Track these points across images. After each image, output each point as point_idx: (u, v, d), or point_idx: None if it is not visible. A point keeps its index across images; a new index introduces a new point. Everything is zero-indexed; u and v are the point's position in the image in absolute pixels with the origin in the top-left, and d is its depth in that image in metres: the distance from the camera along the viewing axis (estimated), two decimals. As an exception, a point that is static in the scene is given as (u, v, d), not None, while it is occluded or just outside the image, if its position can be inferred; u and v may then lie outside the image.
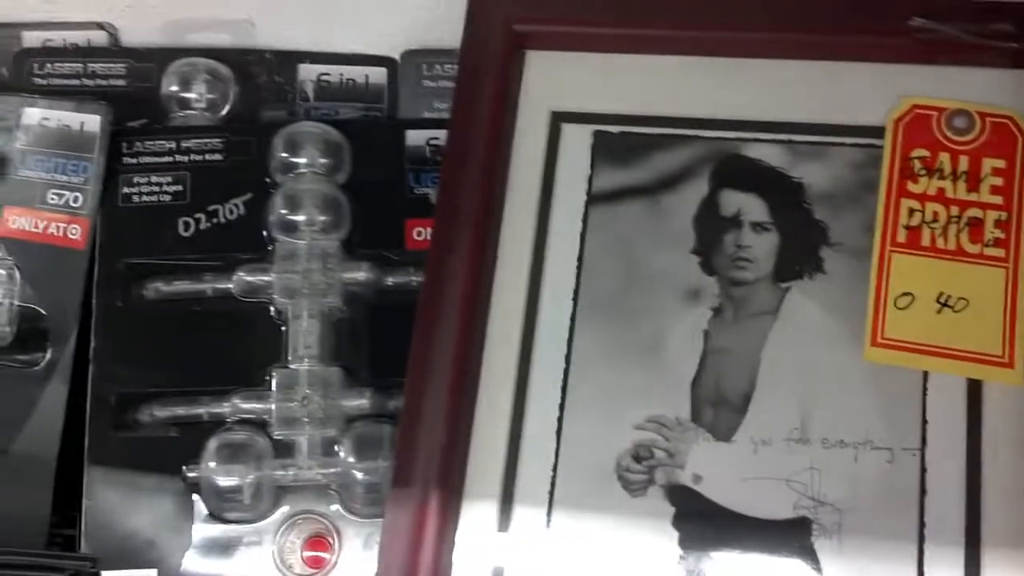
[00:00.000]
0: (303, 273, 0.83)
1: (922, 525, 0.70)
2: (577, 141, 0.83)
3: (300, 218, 0.86)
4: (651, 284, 0.79)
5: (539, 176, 0.82)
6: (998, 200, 0.77)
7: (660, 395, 0.76)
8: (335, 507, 0.80)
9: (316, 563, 0.79)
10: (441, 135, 0.83)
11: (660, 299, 0.79)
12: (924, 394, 0.73)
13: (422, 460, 0.74)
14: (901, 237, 0.78)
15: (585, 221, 0.81)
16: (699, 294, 0.79)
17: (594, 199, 0.82)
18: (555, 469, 0.75)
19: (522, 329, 0.80)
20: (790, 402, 0.75)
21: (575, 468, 0.75)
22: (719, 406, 0.76)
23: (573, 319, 0.79)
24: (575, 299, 0.80)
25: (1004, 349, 0.74)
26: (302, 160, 0.87)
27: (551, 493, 0.75)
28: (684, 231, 0.80)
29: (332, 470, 0.79)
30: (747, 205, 0.80)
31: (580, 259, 0.80)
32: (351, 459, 0.80)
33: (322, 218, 0.86)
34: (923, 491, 0.71)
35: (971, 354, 0.73)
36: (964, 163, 0.78)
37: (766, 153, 0.79)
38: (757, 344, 0.77)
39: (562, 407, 0.77)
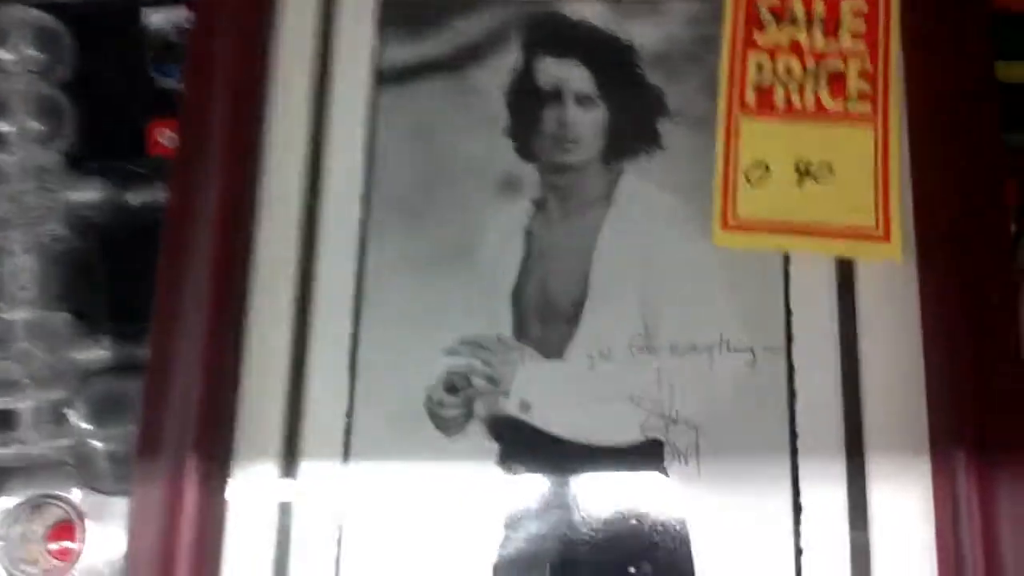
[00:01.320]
0: (13, 196, 0.71)
1: (793, 436, 0.64)
2: (356, 5, 0.73)
3: (6, 128, 0.73)
4: (458, 176, 0.71)
5: (311, 52, 0.73)
6: (860, 47, 0.71)
7: (475, 311, 0.69)
8: (75, 488, 0.69)
9: (64, 555, 0.69)
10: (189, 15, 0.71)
11: (470, 194, 0.71)
12: (786, 282, 0.67)
13: (175, 420, 0.63)
14: (750, 99, 0.72)
15: (373, 105, 0.72)
16: (517, 185, 0.72)
17: (384, 78, 0.73)
18: (350, 414, 0.68)
19: (299, 244, 0.71)
20: (631, 305, 0.68)
21: (375, 410, 0.67)
22: (547, 318, 0.69)
23: (364, 226, 0.71)
24: (365, 200, 0.72)
25: (878, 220, 0.68)
26: (8, 56, 0.75)
27: (346, 444, 0.67)
28: (495, 111, 0.73)
29: (65, 442, 0.69)
30: (568, 75, 0.72)
31: (369, 151, 0.72)
32: (88, 426, 0.69)
33: (36, 125, 0.74)
34: (792, 395, 0.65)
35: (839, 229, 0.68)
36: (820, 6, 0.72)
37: (588, 11, 0.72)
38: (589, 240, 0.70)
39: (355, 336, 0.69)
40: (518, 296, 0.69)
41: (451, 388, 0.67)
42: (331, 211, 0.71)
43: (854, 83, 0.70)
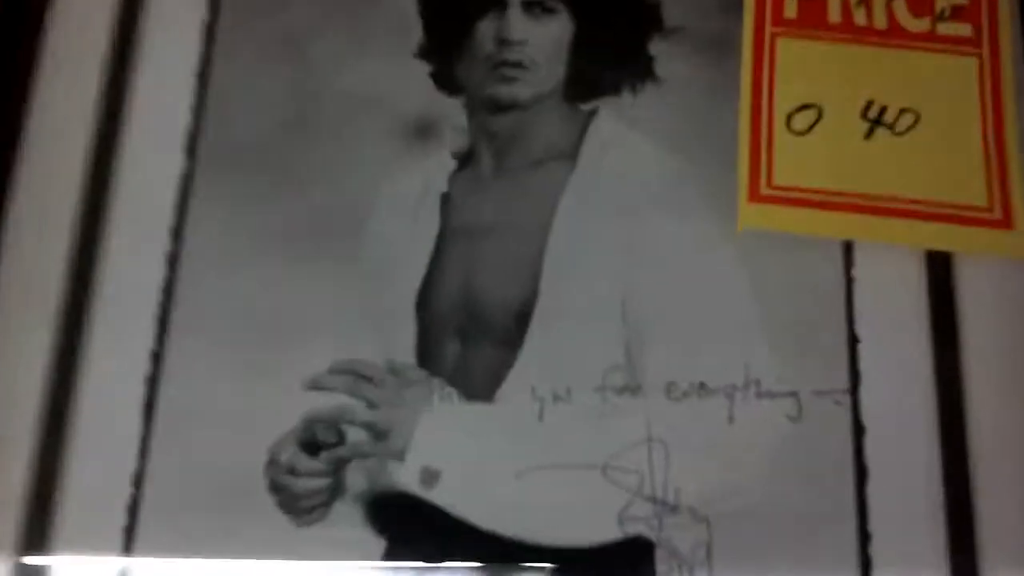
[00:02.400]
0: None
1: (863, 539, 0.47)
2: None
3: None
4: (339, 117, 0.56)
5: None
6: None
7: (355, 321, 0.52)
8: None
9: None
10: None
11: (357, 141, 0.55)
12: (848, 287, 0.51)
13: None
14: (790, 10, 0.55)
15: (214, 8, 0.57)
16: (431, 129, 0.55)
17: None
18: (137, 484, 0.50)
19: (77, 213, 0.54)
20: (604, 319, 0.51)
21: (182, 478, 0.50)
22: (472, 336, 0.52)
23: (184, 187, 0.54)
24: (188, 151, 0.55)
25: (991, 195, 0.51)
26: None
27: (129, 533, 0.49)
28: (401, 18, 0.57)
29: None
30: None
31: (201, 77, 0.56)
32: None
33: None
34: (861, 470, 0.48)
35: (931, 207, 0.51)
36: None
37: None
38: (540, 215, 0.53)
39: (156, 358, 0.51)
40: (426, 300, 0.53)
41: (310, 445, 0.49)
42: (132, 164, 0.54)
43: None
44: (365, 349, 0.51)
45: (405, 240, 0.53)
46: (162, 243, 0.53)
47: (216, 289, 0.52)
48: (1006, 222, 0.50)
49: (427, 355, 0.51)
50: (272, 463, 0.49)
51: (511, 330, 0.51)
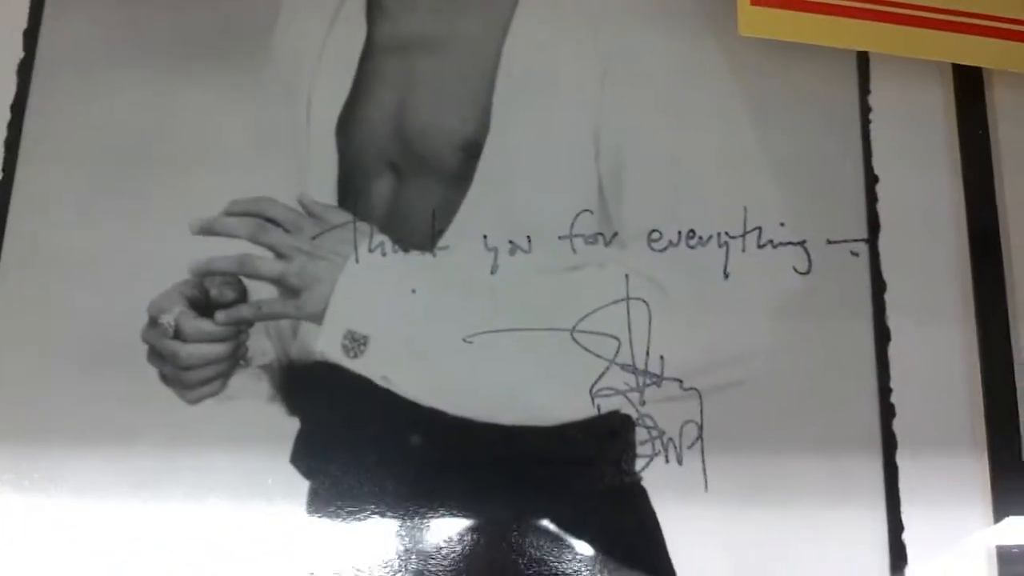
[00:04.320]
0: None
1: (887, 413, 0.40)
2: None
3: None
4: None
5: None
6: None
7: (261, 148, 0.42)
8: None
9: None
10: None
11: None
12: (864, 113, 0.43)
13: None
14: None
15: None
16: None
17: None
18: None
19: None
20: (574, 150, 0.42)
21: (43, 342, 0.40)
22: (407, 169, 0.42)
23: None
24: None
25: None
26: None
27: None
28: None
29: None
30: None
31: None
32: None
33: None
34: (882, 335, 0.41)
35: (960, 16, 0.42)
36: None
37: None
38: (492, 20, 0.43)
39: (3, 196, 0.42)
40: (349, 124, 0.43)
41: (202, 303, 0.40)
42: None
43: None
44: (272, 185, 0.41)
45: (322, 50, 0.43)
46: (12, 49, 0.42)
47: (80, 106, 0.42)
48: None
49: (351, 193, 0.42)
50: (153, 325, 0.40)
51: (457, 164, 0.42)
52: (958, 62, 0.42)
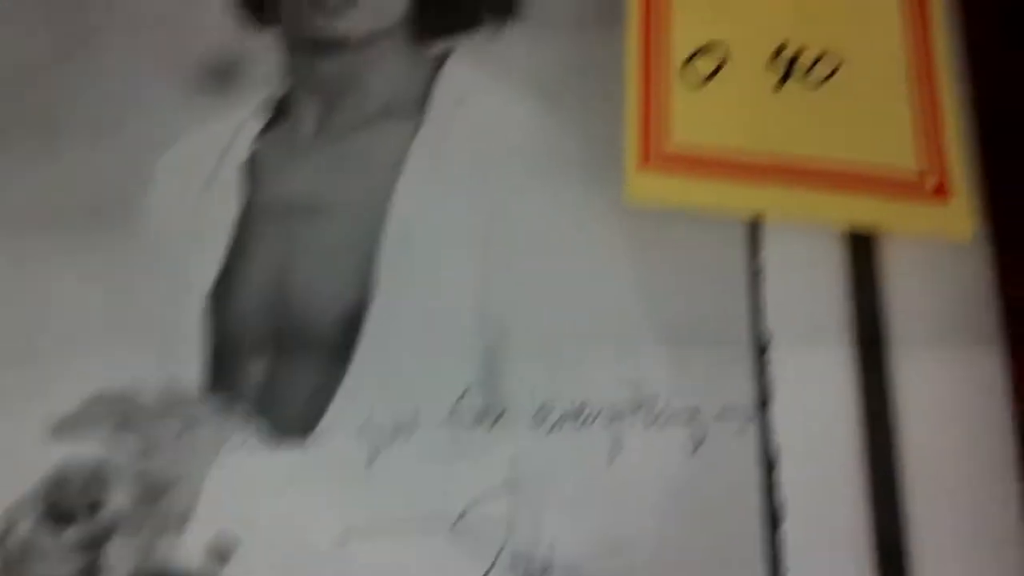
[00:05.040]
0: None
1: None
2: None
3: None
4: (115, 45, 0.46)
5: None
6: None
7: (126, 329, 0.41)
8: None
9: None
10: None
11: (135, 81, 0.45)
12: (755, 284, 0.43)
13: None
14: None
15: None
16: (233, 72, 0.45)
17: None
18: None
19: None
20: (458, 323, 0.41)
21: None
22: (284, 348, 0.42)
23: None
24: None
25: (922, 157, 0.43)
26: None
27: None
28: None
29: None
30: None
31: None
32: None
33: None
34: (772, 512, 0.39)
35: (853, 174, 0.43)
36: None
37: None
38: (377, 187, 0.43)
39: None
40: (223, 300, 0.43)
41: (59, 512, 0.38)
42: None
43: None
44: (137, 370, 0.40)
45: (195, 219, 0.43)
46: None
47: None
48: (942, 192, 0.42)
49: (223, 376, 0.41)
50: (7, 537, 0.38)
51: (338, 337, 0.41)
52: (851, 226, 0.42)
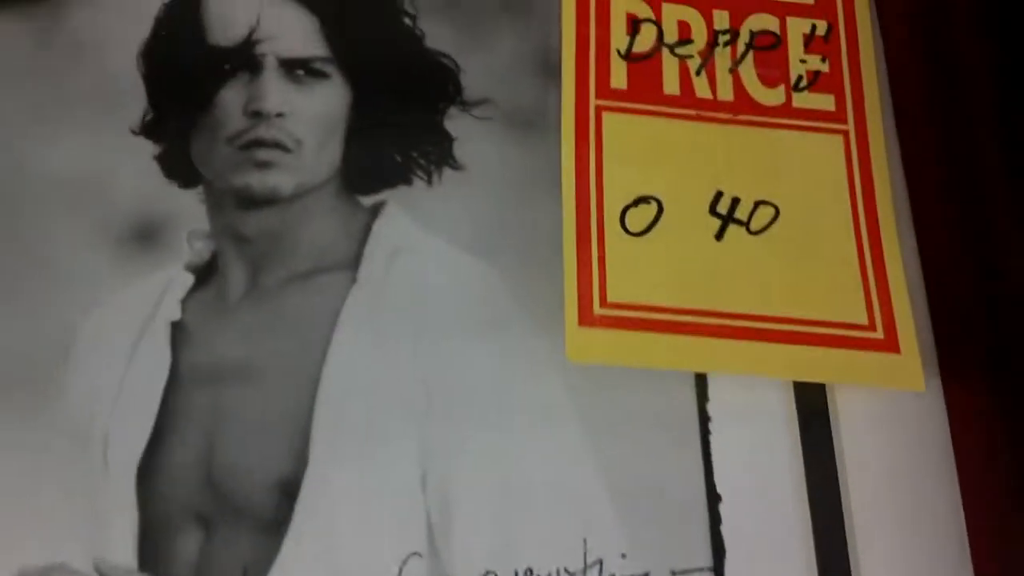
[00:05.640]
0: None
1: None
2: None
3: None
4: (31, 207, 0.43)
5: None
6: None
7: (50, 504, 0.38)
8: None
9: None
10: None
11: (54, 244, 0.43)
12: (704, 435, 0.42)
13: None
14: (619, 79, 0.46)
15: None
16: (157, 232, 0.43)
17: None
18: None
19: None
20: (399, 489, 0.39)
21: None
22: (216, 521, 0.39)
23: None
24: None
25: (868, 308, 0.43)
26: None
27: None
28: (116, 79, 0.45)
29: None
30: (272, 20, 0.45)
31: None
32: None
33: None
34: None
35: (799, 325, 0.42)
36: None
37: None
38: (309, 347, 0.41)
39: None
40: (151, 472, 0.40)
41: None
42: None
43: (800, 58, 0.47)
44: (64, 548, 0.37)
45: (120, 388, 0.40)
46: None
47: None
48: (890, 343, 0.41)
49: (153, 553, 0.38)
50: None
51: (272, 507, 0.39)
52: (800, 379, 0.41)
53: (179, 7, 0.46)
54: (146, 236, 0.43)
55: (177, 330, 0.42)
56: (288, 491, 0.39)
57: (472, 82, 0.46)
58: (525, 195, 0.45)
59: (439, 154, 0.45)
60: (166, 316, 0.42)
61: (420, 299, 0.43)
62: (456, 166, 0.45)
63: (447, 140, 0.45)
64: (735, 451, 0.41)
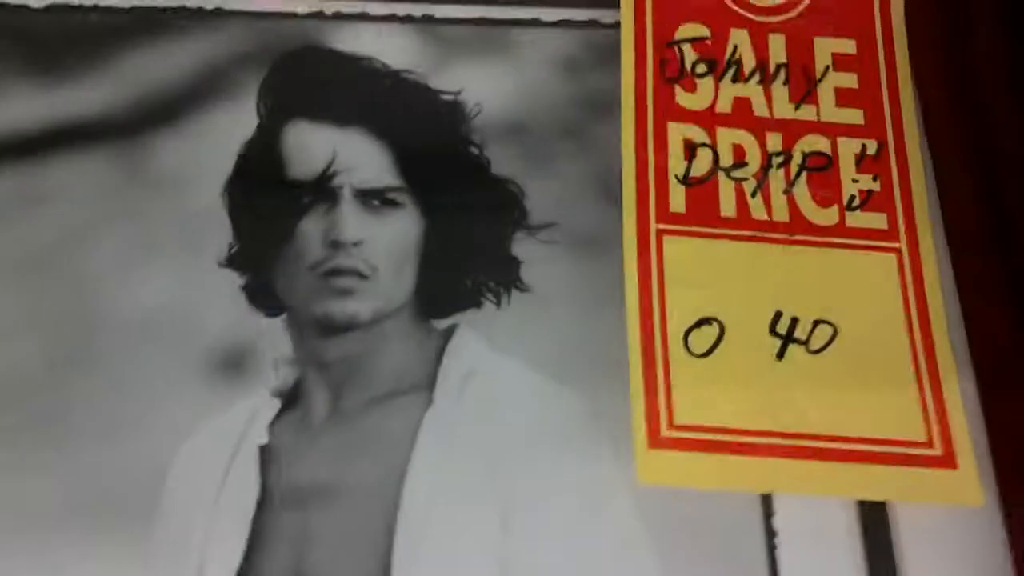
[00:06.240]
0: None
1: None
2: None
3: None
4: (122, 342, 0.45)
5: None
6: (856, 117, 0.50)
7: None
8: None
9: None
10: None
11: (145, 377, 0.44)
12: (770, 540, 0.42)
13: None
14: (677, 203, 0.48)
15: None
16: (244, 360, 0.45)
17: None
18: None
19: None
20: None
21: None
22: None
23: None
24: None
25: (927, 425, 0.44)
26: None
27: None
28: (202, 216, 0.47)
29: None
30: (347, 153, 0.48)
31: None
32: None
33: None
34: None
35: (860, 444, 0.43)
36: (780, 46, 0.51)
37: (384, 45, 0.51)
38: (390, 467, 0.43)
39: None
40: None
41: None
42: None
43: (852, 179, 0.49)
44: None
45: (212, 511, 0.42)
46: None
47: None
48: (949, 460, 0.43)
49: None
50: None
51: (358, 626, 0.41)
52: (862, 498, 0.42)
53: (260, 144, 0.48)
54: (233, 364, 0.45)
55: (265, 454, 0.43)
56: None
57: (537, 206, 0.48)
58: (592, 315, 0.46)
59: (507, 277, 0.47)
60: (255, 440, 0.43)
61: (495, 419, 0.44)
62: (523, 288, 0.47)
63: (515, 263, 0.47)
64: (801, 565, 0.42)
